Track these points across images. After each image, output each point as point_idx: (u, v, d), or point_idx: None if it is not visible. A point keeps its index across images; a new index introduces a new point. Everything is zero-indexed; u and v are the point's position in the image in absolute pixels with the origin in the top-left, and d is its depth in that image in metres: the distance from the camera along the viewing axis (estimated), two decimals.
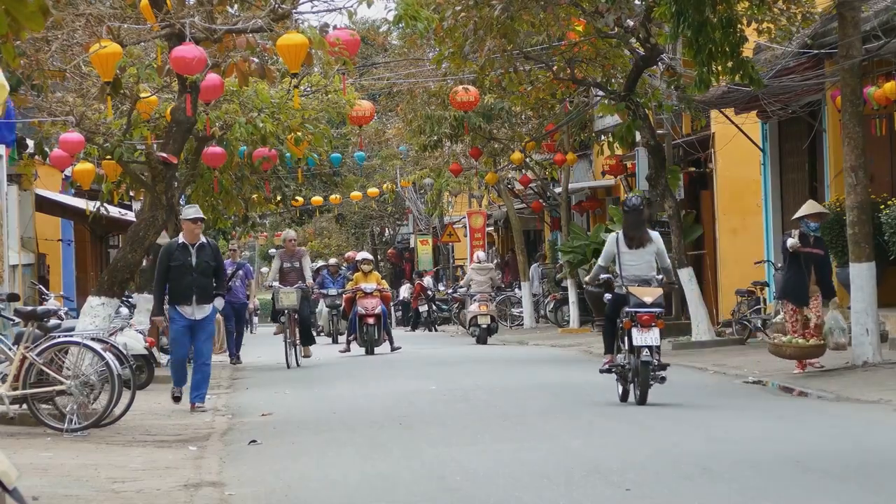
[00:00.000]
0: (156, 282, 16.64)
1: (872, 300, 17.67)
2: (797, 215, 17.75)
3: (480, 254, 34.90)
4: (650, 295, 14.65)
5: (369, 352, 26.21)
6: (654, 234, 15.44)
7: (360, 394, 17.75)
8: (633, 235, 15.09)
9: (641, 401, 14.45)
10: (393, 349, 26.65)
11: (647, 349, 14.37)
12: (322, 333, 35.68)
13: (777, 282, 23.57)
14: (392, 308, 41.01)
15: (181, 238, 16.41)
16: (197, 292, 16.17)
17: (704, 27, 16.61)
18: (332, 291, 33.35)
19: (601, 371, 15.41)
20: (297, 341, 24.06)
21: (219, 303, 16.54)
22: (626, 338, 14.63)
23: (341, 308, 30.91)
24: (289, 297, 24.06)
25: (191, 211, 16.57)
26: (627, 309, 14.63)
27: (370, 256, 29.06)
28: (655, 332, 14.47)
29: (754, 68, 17.92)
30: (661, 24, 20.23)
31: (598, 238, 32.99)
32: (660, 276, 15.08)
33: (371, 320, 26.30)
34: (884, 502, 8.62)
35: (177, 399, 16.50)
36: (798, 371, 17.64)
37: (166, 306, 16.64)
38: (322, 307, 36.61)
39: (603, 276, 15.23)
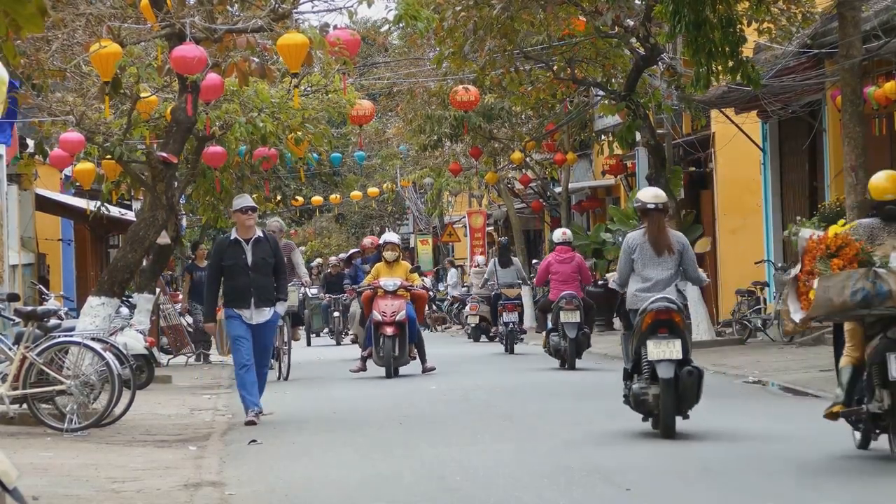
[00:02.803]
0: (207, 283, 15.12)
1: None
2: None
3: (479, 258, 35.76)
4: (513, 293, 25.82)
5: (390, 373, 19.46)
6: (516, 259, 27.26)
7: (360, 394, 17.74)
8: (504, 261, 26.21)
9: (511, 351, 25.06)
10: (425, 370, 19.90)
11: (511, 323, 25.12)
12: (357, 342, 24.41)
13: (778, 282, 23.59)
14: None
15: (233, 233, 14.68)
16: (256, 294, 14.37)
17: (703, 26, 16.61)
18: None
19: (489, 338, 28.64)
20: (289, 349, 20.61)
21: (281, 308, 14.66)
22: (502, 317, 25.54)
23: (354, 310, 23.45)
24: (288, 297, 19.57)
25: (239, 201, 14.79)
26: (501, 301, 25.61)
27: (397, 240, 21.17)
28: (515, 314, 25.26)
29: (754, 68, 17.92)
30: (661, 23, 20.23)
31: (599, 238, 33.05)
32: (519, 281, 26.20)
33: (389, 330, 19.31)
34: (884, 502, 8.62)
35: (251, 423, 14.19)
36: None
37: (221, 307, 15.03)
38: (356, 308, 23.75)
39: (489, 283, 26.63)
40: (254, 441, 12.86)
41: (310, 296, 29.82)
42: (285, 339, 20.40)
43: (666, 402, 11.58)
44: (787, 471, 9.77)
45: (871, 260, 9.97)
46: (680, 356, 11.75)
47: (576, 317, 19.91)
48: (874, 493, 8.86)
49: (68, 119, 17.58)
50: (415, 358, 19.85)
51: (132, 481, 10.49)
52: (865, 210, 17.74)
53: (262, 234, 14.67)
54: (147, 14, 14.97)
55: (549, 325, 20.58)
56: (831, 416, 10.57)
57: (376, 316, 19.46)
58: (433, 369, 19.92)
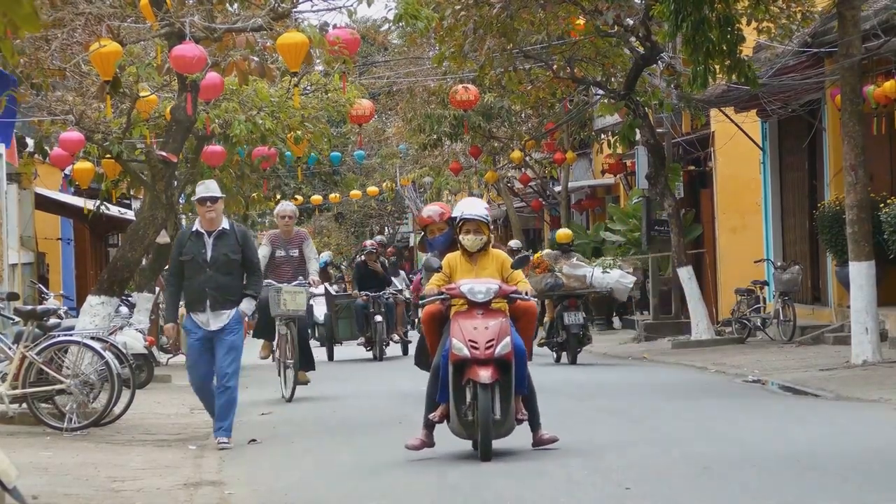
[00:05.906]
0: (166, 281, 13.91)
1: (872, 299, 17.67)
2: None
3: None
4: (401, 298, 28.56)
5: (487, 453, 10.66)
6: (402, 271, 30.91)
7: (360, 394, 17.74)
8: (393, 271, 28.68)
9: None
10: (539, 441, 11.13)
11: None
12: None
13: (777, 280, 23.60)
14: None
15: (196, 224, 12.93)
16: (212, 295, 12.56)
17: (702, 25, 16.60)
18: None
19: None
20: (293, 361, 16.85)
21: (246, 306, 12.68)
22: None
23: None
24: (295, 300, 16.43)
25: (200, 189, 12.96)
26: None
27: (484, 213, 11.25)
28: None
29: (751, 68, 17.92)
30: (661, 22, 20.23)
31: (598, 237, 33.05)
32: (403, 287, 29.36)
33: (485, 374, 10.64)
34: (884, 501, 8.62)
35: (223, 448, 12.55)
36: None
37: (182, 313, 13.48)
38: None
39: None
40: (254, 441, 12.87)
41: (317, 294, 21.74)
42: (288, 353, 16.91)
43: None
44: (788, 470, 9.77)
45: (553, 269, 21.72)
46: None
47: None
48: (875, 492, 8.86)
49: (68, 118, 17.58)
50: (523, 420, 11.14)
51: (132, 480, 10.50)
52: (865, 209, 17.85)
53: (227, 227, 12.81)
54: (146, 13, 14.96)
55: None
56: (540, 345, 21.09)
57: (459, 349, 10.79)
58: (555, 441, 11.16)
